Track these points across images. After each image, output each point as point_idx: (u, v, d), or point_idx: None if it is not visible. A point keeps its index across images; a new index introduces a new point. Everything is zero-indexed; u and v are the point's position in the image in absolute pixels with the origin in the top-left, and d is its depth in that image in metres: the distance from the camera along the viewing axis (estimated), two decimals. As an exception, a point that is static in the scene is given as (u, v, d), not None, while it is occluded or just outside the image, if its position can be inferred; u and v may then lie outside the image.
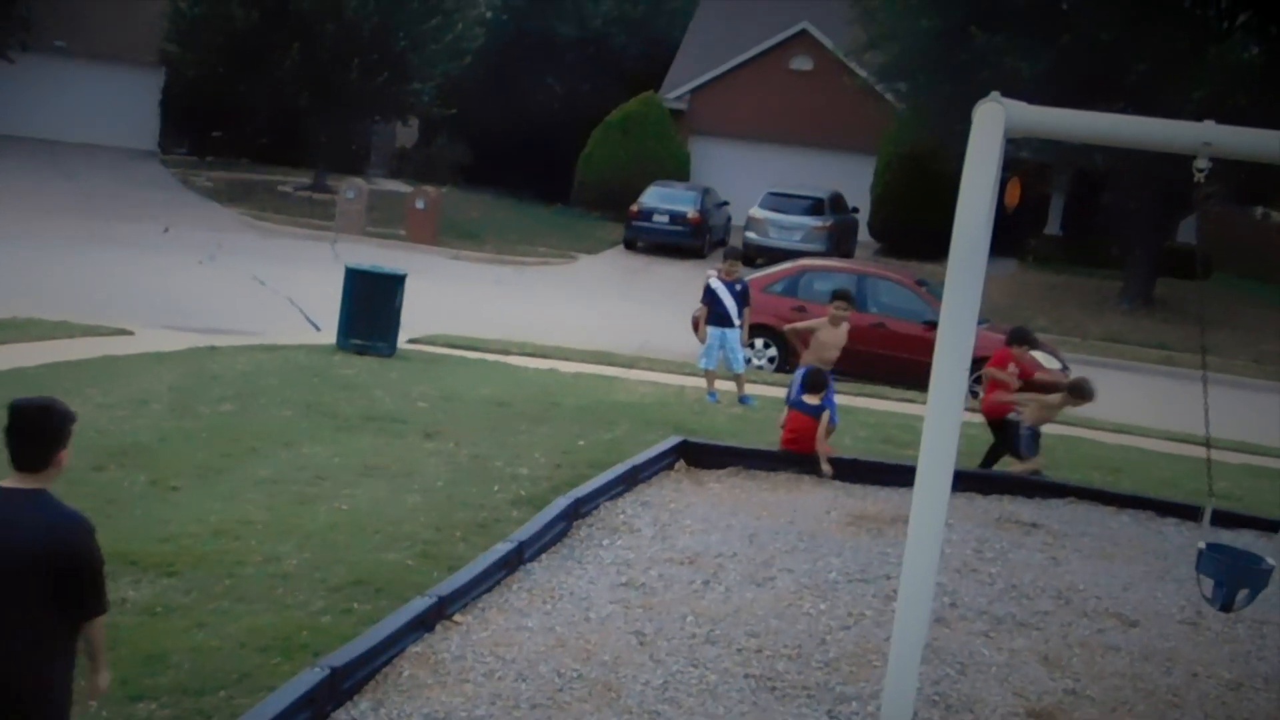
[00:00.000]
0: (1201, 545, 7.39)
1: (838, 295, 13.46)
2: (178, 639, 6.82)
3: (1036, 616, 8.97)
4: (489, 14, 44.17)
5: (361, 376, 14.28)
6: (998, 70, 26.72)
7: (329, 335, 16.72)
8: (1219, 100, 25.41)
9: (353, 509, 9.34)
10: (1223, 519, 10.68)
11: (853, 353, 19.47)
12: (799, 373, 12.92)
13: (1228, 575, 7.29)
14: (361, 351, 15.68)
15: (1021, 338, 13.18)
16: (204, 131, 42.56)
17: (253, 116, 40.40)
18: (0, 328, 14.85)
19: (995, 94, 6.89)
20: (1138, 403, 19.35)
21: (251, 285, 22.19)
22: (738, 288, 15.33)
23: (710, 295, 15.31)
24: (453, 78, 39.90)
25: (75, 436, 4.75)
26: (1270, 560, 7.48)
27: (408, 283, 16.40)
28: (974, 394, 18.73)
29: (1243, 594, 7.31)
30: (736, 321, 15.23)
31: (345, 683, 6.52)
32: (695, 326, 17.08)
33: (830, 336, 13.08)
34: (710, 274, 15.83)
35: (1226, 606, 7.38)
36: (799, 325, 13.98)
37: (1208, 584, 7.37)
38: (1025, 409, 12.64)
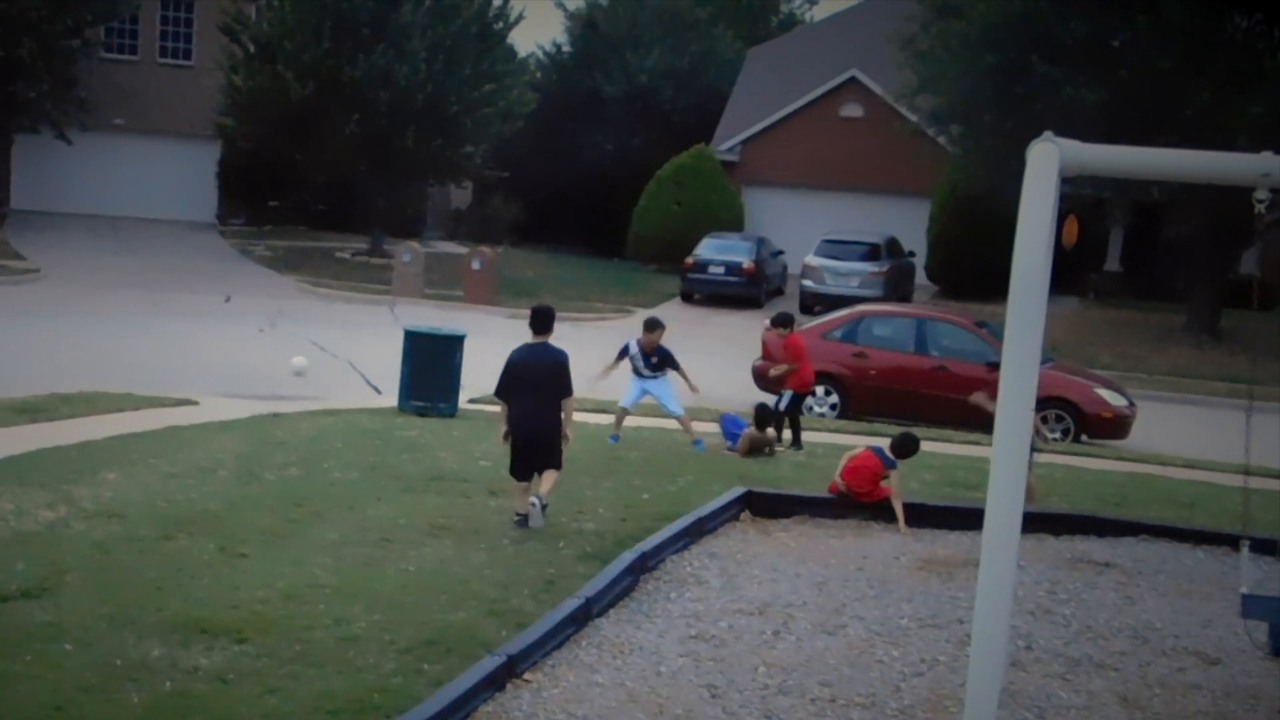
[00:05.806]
0: (1244, 590, 7.18)
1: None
2: (250, 705, 6.81)
3: (1114, 657, 8.82)
4: (539, 74, 44.49)
5: (424, 437, 14.33)
6: (1052, 105, 26.60)
7: (390, 398, 16.80)
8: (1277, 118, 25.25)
9: (420, 569, 9.34)
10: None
11: (916, 396, 19.54)
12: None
13: (1277, 618, 7.07)
14: (423, 413, 15.74)
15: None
16: (261, 201, 43.08)
17: (308, 185, 40.86)
18: (67, 402, 15.02)
19: (1048, 134, 6.82)
20: (1207, 437, 19.09)
21: (312, 351, 22.34)
22: (654, 359, 15.36)
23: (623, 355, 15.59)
24: (504, 139, 40.20)
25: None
26: None
27: (467, 343, 16.47)
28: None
29: None
30: (646, 372, 15.38)
31: (418, 744, 6.49)
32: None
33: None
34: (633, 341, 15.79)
35: (1278, 651, 7.16)
36: None
37: (1258, 629, 7.14)
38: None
